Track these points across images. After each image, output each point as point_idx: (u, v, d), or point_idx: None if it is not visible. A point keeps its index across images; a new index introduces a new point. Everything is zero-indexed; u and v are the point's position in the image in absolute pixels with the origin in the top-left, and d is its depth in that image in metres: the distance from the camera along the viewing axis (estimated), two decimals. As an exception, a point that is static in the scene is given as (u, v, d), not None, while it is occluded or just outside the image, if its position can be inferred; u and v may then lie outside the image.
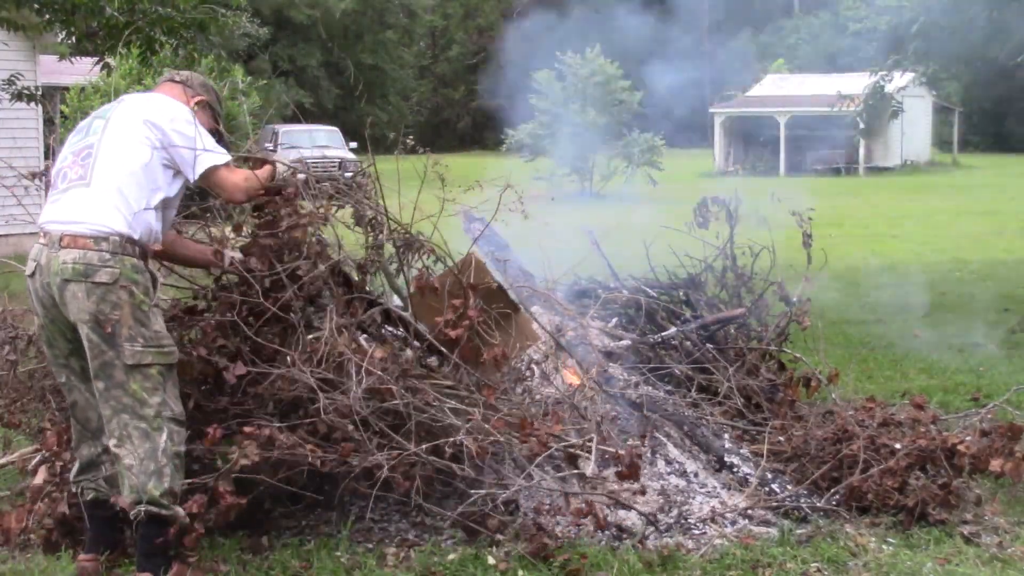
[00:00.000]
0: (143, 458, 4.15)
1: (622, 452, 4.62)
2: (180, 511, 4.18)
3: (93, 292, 4.12)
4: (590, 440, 4.65)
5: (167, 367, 4.23)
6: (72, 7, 10.75)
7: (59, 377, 4.42)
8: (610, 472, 4.88)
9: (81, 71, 16.57)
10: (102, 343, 4.14)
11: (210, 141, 4.39)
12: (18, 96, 12.43)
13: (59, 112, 22.55)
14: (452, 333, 4.61)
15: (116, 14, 10.93)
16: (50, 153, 18.21)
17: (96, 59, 11.98)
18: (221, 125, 4.75)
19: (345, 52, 51.52)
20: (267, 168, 4.60)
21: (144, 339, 4.16)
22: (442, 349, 4.73)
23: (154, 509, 4.13)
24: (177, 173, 4.37)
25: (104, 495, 4.38)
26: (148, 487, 4.13)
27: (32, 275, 4.29)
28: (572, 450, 4.68)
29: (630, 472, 4.57)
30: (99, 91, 24.27)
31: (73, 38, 11.92)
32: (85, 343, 4.18)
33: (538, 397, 5.07)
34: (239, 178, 4.44)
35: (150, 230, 4.28)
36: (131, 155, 4.27)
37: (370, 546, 4.49)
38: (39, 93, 14.19)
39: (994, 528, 4.76)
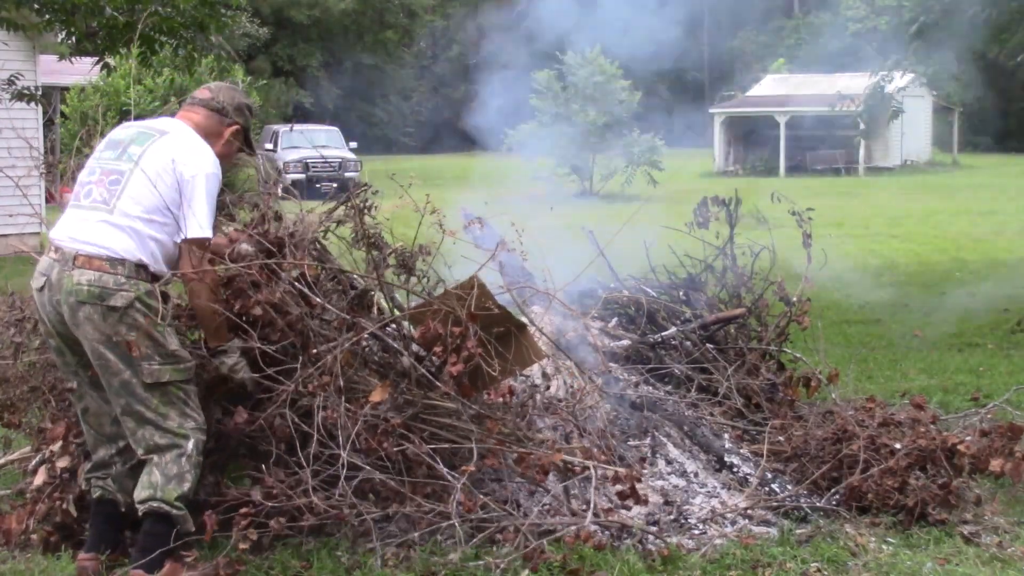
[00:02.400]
0: (169, 461, 4.22)
1: (623, 472, 4.61)
2: (188, 516, 4.22)
3: (109, 315, 4.14)
4: (589, 461, 4.63)
5: (185, 381, 4.28)
6: (72, 7, 10.76)
7: (69, 383, 4.44)
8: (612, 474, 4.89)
9: (81, 71, 16.60)
10: (119, 362, 4.17)
11: (210, 215, 4.31)
12: (18, 96, 12.44)
13: (59, 112, 22.57)
14: (452, 369, 4.58)
15: (116, 14, 10.94)
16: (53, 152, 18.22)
17: (96, 59, 12.00)
18: (252, 138, 4.75)
19: (346, 53, 51.54)
20: (217, 309, 4.36)
21: (161, 357, 4.20)
22: (437, 383, 4.67)
23: (166, 508, 4.18)
24: None
25: (110, 495, 4.41)
26: (168, 488, 4.19)
27: (41, 289, 4.27)
28: (573, 468, 4.68)
29: (631, 493, 4.58)
30: (99, 91, 24.31)
31: (73, 38, 11.93)
32: (97, 362, 4.19)
33: (539, 406, 5.04)
34: (206, 282, 4.27)
35: (166, 258, 4.29)
36: (156, 193, 4.24)
37: (370, 546, 4.49)
38: (39, 93, 14.20)
39: (994, 528, 4.76)
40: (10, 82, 12.30)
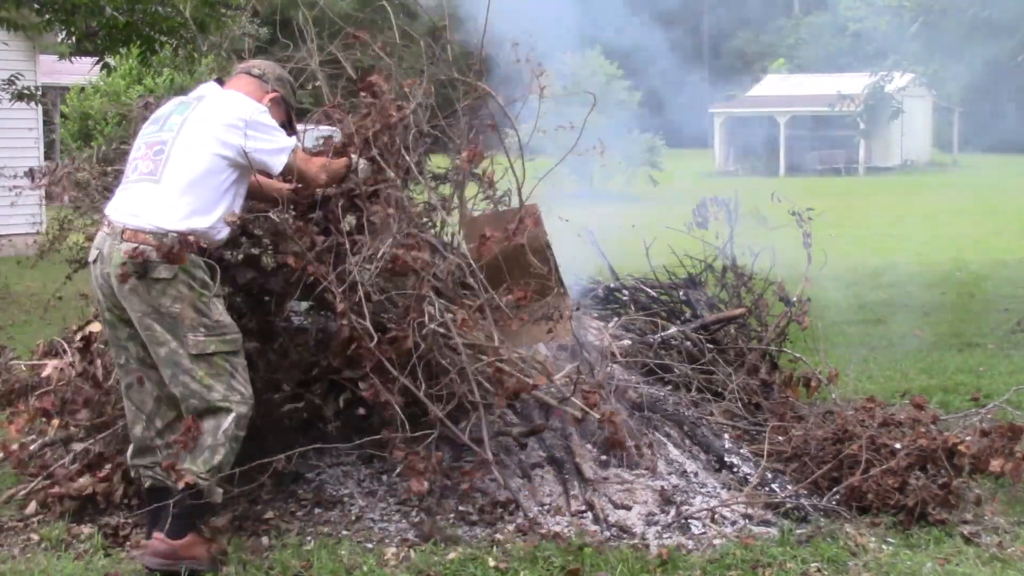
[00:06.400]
0: (204, 432, 4.24)
1: (607, 412, 4.61)
2: (217, 490, 4.26)
3: (153, 287, 4.21)
4: (569, 390, 4.57)
5: (232, 353, 4.31)
6: (72, 7, 10.77)
7: (117, 358, 4.49)
8: (611, 473, 4.90)
9: (81, 71, 16.60)
10: (165, 332, 4.23)
11: (282, 135, 4.46)
12: (18, 96, 12.45)
13: (59, 112, 22.53)
14: (516, 296, 4.62)
15: (116, 14, 10.95)
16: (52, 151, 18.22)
17: (96, 59, 12.01)
18: (294, 116, 4.83)
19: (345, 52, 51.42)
20: (343, 160, 4.68)
21: (206, 328, 4.25)
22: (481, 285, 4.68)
23: (191, 479, 4.20)
24: (244, 173, 4.41)
25: (160, 482, 4.42)
26: (198, 460, 4.22)
27: (94, 262, 4.38)
28: (548, 400, 4.63)
29: (617, 441, 4.56)
30: (99, 91, 24.29)
31: (73, 38, 11.94)
32: (145, 333, 4.26)
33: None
34: (316, 166, 4.55)
35: (212, 227, 4.34)
36: (203, 157, 4.32)
37: (370, 546, 4.49)
38: (39, 93, 14.21)
39: (994, 528, 4.76)
40: (10, 82, 12.31)
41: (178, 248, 4.19)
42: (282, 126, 4.61)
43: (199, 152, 4.33)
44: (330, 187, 4.63)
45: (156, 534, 4.25)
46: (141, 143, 4.47)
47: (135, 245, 4.20)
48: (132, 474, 4.60)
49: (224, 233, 4.41)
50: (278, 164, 4.41)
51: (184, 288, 4.22)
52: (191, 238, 4.23)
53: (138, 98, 5.23)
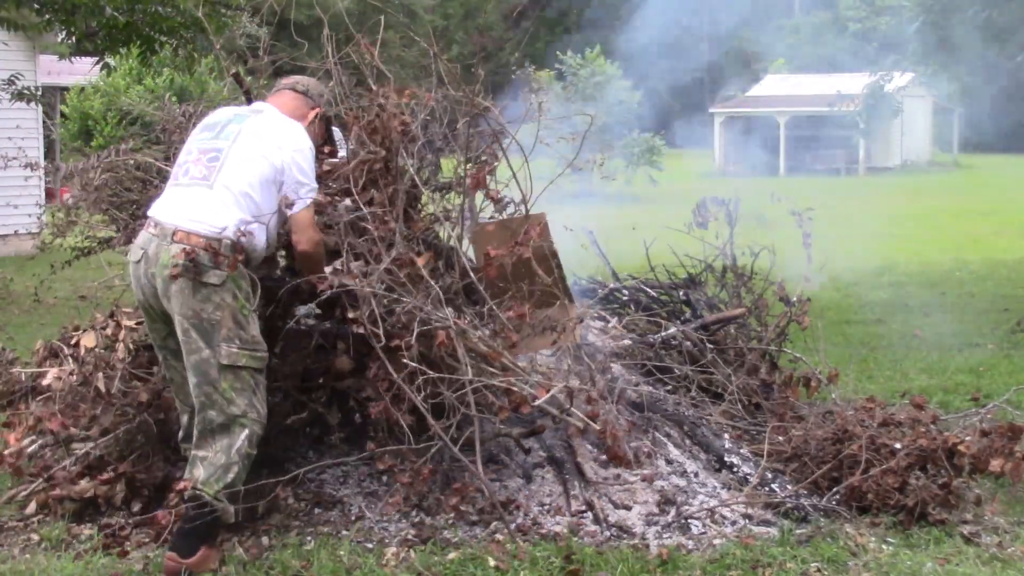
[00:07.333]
0: (218, 451, 4.29)
1: (609, 428, 4.60)
2: (230, 509, 4.29)
3: (199, 290, 4.23)
4: (570, 402, 4.55)
5: (258, 371, 4.35)
6: (72, 7, 10.77)
7: (159, 354, 4.57)
8: (611, 472, 4.90)
9: (81, 71, 16.60)
10: (200, 340, 4.25)
11: (312, 180, 4.48)
12: (18, 96, 12.45)
13: (59, 112, 22.54)
14: (517, 312, 4.61)
15: (116, 14, 10.95)
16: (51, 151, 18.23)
17: (96, 59, 12.01)
18: (332, 129, 4.92)
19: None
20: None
21: (241, 341, 4.28)
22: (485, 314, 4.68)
23: (207, 499, 4.23)
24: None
25: None
26: (211, 480, 4.25)
27: (138, 262, 4.39)
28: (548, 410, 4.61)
29: (617, 455, 4.55)
30: (99, 91, 24.29)
31: (73, 38, 11.94)
32: (181, 337, 4.29)
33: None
34: (315, 234, 4.47)
35: (258, 240, 4.38)
36: (256, 169, 4.37)
37: (370, 546, 4.49)
38: (39, 93, 14.22)
39: (994, 528, 4.76)
40: (10, 82, 12.31)
41: (232, 256, 4.21)
42: (322, 139, 4.73)
43: (255, 163, 4.38)
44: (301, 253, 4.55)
45: (168, 554, 4.26)
46: (193, 147, 4.50)
47: (187, 246, 4.22)
48: (183, 451, 4.66)
49: (263, 244, 4.44)
50: (299, 205, 4.42)
51: (229, 297, 4.26)
52: (243, 239, 4.26)
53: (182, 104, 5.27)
